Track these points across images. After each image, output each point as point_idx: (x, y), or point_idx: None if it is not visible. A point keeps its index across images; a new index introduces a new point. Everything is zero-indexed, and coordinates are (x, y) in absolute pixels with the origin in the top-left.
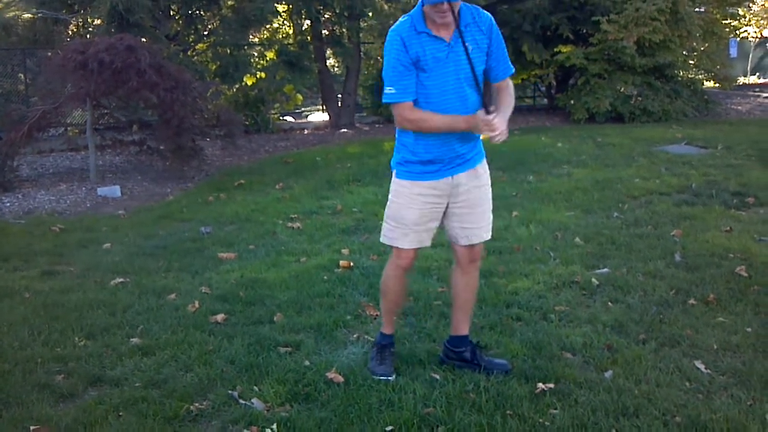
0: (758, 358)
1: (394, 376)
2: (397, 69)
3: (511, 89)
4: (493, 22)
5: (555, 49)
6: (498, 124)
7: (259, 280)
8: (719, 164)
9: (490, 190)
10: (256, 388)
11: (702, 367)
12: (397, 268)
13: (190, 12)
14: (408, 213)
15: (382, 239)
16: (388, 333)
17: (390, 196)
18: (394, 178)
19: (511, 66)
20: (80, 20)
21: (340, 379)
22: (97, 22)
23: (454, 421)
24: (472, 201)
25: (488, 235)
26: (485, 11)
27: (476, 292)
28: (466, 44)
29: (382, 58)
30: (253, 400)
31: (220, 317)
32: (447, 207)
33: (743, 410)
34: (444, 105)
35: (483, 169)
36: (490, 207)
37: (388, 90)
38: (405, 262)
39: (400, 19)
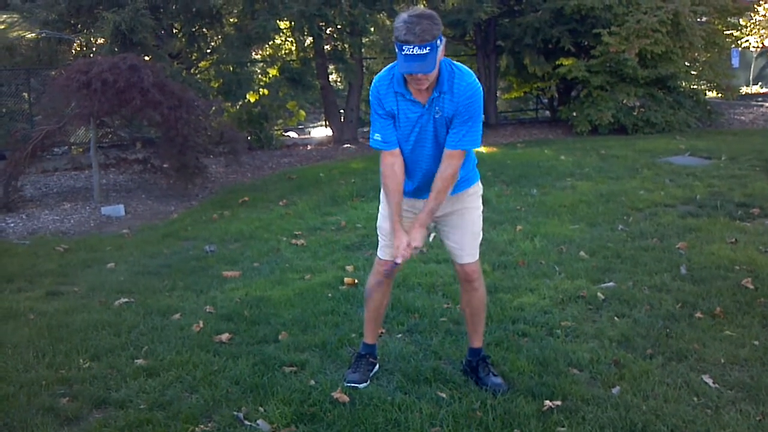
0: (766, 372)
1: (364, 385)
2: (378, 120)
3: (449, 172)
4: (474, 94)
5: (556, 62)
6: (405, 254)
7: (263, 298)
8: (723, 175)
9: (478, 213)
10: (261, 408)
11: (710, 381)
12: (377, 275)
13: (192, 30)
14: (385, 224)
15: None
16: (368, 342)
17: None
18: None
19: (469, 142)
20: (83, 40)
21: (346, 398)
22: (101, 41)
23: None
24: (454, 222)
25: (470, 259)
26: (471, 82)
27: (479, 309)
28: (436, 109)
29: None
30: (259, 422)
31: (224, 337)
32: (437, 223)
33: (752, 425)
34: (407, 160)
35: (467, 194)
36: (475, 231)
37: (375, 137)
38: (383, 269)
39: (385, 69)
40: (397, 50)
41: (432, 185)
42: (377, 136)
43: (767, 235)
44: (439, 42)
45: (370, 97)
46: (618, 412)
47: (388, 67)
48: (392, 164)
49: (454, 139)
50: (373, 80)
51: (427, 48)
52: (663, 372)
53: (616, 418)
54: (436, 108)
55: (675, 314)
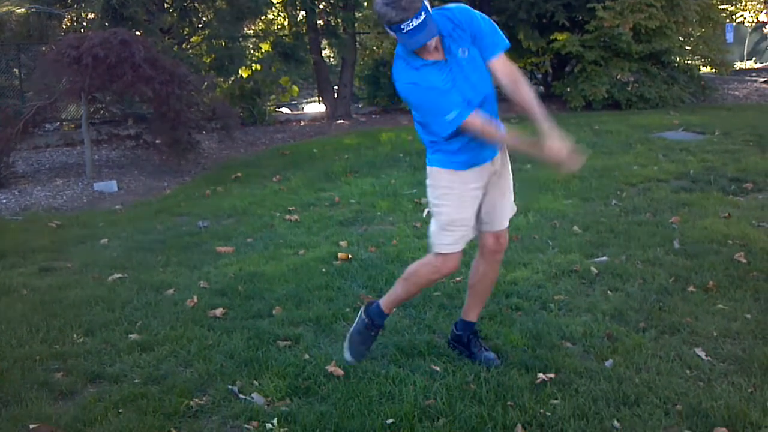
0: (758, 345)
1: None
2: (437, 99)
3: (517, 73)
4: (467, 10)
5: (551, 37)
6: (557, 149)
7: (257, 273)
8: (717, 150)
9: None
10: (255, 382)
11: (702, 354)
12: (437, 273)
13: (184, 5)
14: (460, 214)
15: None
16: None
17: None
18: None
19: (502, 41)
20: (74, 15)
21: (340, 372)
22: (91, 16)
23: (455, 413)
24: None
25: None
26: (456, 4)
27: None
28: (460, 51)
29: (377, 48)
30: (253, 395)
31: (219, 312)
32: None
33: (744, 397)
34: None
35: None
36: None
37: (450, 117)
38: (451, 264)
39: (395, 62)
40: (395, 34)
41: (520, 94)
42: (451, 115)
43: (760, 210)
44: (426, 2)
45: (412, 93)
46: (611, 385)
47: (395, 57)
48: (476, 115)
49: (487, 46)
50: (397, 80)
51: (423, 14)
52: (656, 345)
53: (609, 390)
54: (459, 50)
55: (668, 288)
